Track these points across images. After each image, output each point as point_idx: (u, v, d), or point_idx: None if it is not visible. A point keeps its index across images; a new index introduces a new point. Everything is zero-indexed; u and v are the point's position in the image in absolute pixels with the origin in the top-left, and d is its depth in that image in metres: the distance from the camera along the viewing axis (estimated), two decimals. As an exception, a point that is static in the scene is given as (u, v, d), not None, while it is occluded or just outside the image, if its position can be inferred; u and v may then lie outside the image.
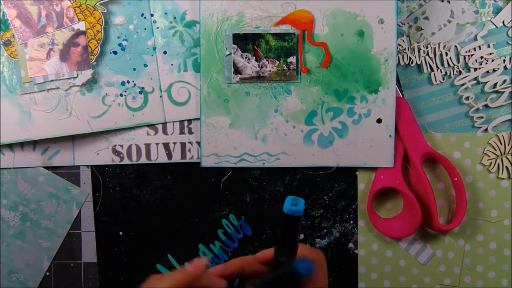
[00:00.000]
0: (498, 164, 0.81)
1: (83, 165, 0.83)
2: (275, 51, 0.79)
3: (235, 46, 0.78)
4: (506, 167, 0.81)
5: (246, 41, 0.78)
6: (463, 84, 0.80)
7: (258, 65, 0.79)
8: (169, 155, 0.82)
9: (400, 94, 0.80)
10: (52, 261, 0.84)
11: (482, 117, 0.80)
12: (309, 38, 0.79)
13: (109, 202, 0.83)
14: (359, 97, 0.79)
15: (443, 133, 0.81)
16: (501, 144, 0.80)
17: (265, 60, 0.79)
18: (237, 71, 0.79)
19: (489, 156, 0.80)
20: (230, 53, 0.79)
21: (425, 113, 0.81)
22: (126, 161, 0.82)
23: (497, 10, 0.80)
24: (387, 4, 0.78)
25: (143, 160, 0.82)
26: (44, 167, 0.83)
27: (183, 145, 0.82)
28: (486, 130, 0.81)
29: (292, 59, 0.79)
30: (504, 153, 0.80)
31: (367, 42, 0.79)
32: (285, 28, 0.79)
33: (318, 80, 0.80)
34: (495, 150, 0.80)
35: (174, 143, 0.82)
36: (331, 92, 0.80)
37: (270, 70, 0.79)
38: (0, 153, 0.82)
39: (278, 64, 0.79)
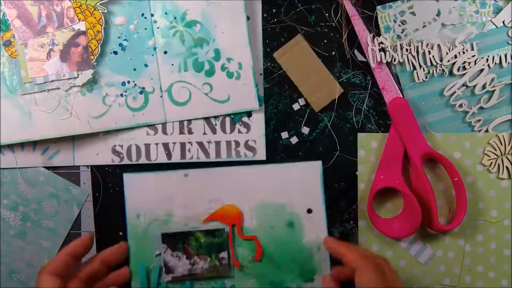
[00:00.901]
0: (498, 164, 0.80)
1: (83, 165, 0.82)
2: (206, 247, 0.80)
3: (165, 245, 0.79)
4: (506, 167, 0.80)
5: (175, 240, 0.80)
6: (453, 93, 0.79)
7: (190, 262, 0.80)
8: (169, 155, 0.82)
9: (400, 94, 0.79)
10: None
11: (480, 120, 0.80)
12: (239, 232, 0.80)
13: (109, 202, 0.82)
14: (295, 287, 0.81)
15: (443, 133, 0.80)
16: (501, 144, 0.79)
17: (196, 257, 0.80)
18: (168, 270, 0.80)
19: (489, 156, 0.80)
20: (160, 253, 0.80)
21: (425, 113, 0.80)
22: (126, 161, 0.81)
23: (497, 10, 0.79)
24: (314, 194, 0.80)
25: (143, 160, 0.82)
26: (44, 167, 0.82)
27: (182, 145, 0.82)
28: (486, 130, 0.80)
29: (223, 254, 0.80)
30: (504, 153, 0.80)
31: (297, 232, 0.81)
32: (214, 224, 0.80)
33: (252, 274, 0.81)
34: (495, 150, 0.80)
35: (174, 143, 0.82)
36: (267, 284, 0.81)
37: (202, 267, 0.80)
38: (0, 153, 0.81)
39: (210, 260, 0.80)
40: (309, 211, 0.80)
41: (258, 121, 0.81)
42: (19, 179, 0.82)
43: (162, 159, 0.82)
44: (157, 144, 0.81)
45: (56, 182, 0.82)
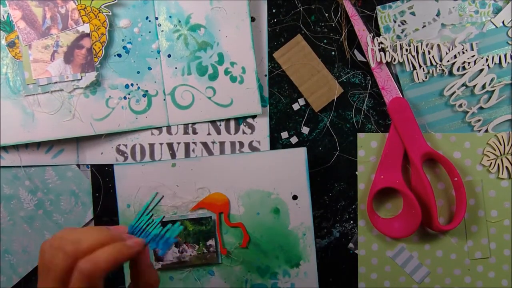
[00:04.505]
0: (498, 164, 0.76)
1: (86, 164, 0.79)
2: (194, 235, 0.78)
3: None
4: (506, 167, 0.76)
5: None
6: (453, 93, 0.76)
7: (178, 250, 0.78)
8: (173, 155, 0.79)
9: (400, 94, 0.76)
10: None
11: (479, 120, 0.76)
12: (226, 219, 0.78)
13: (109, 202, 0.79)
14: (281, 272, 0.79)
15: (443, 133, 0.76)
16: (501, 145, 0.76)
17: (184, 245, 0.78)
18: (158, 258, 0.78)
19: (489, 157, 0.76)
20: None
21: (425, 113, 0.77)
22: (130, 160, 0.79)
23: (497, 10, 0.76)
24: (299, 181, 0.77)
25: (147, 159, 0.79)
26: (76, 165, 0.80)
27: (187, 145, 0.78)
28: (486, 130, 0.76)
29: (211, 241, 0.78)
30: (504, 153, 0.76)
31: (283, 218, 0.78)
32: (201, 212, 0.78)
33: (239, 260, 0.79)
34: (495, 150, 0.76)
35: (178, 143, 0.79)
36: (253, 270, 0.79)
37: (190, 255, 0.78)
38: (3, 152, 0.78)
39: (197, 248, 0.78)
40: (295, 197, 0.77)
41: (262, 122, 0.78)
42: (48, 166, 0.80)
43: (166, 158, 0.79)
44: (161, 144, 0.79)
45: (82, 182, 0.80)
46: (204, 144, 0.78)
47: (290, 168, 0.77)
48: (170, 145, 0.78)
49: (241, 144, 0.78)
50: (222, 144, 0.78)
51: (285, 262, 0.78)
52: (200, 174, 0.78)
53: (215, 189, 0.78)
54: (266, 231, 0.78)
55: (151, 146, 0.78)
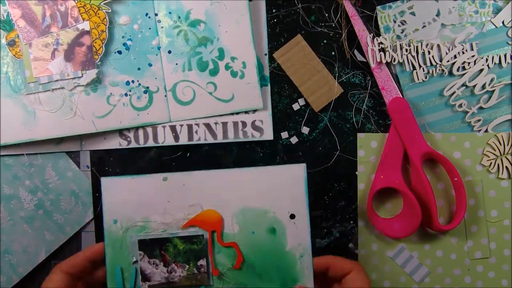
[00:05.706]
0: (498, 164, 0.77)
1: (89, 150, 0.79)
2: (184, 254, 0.74)
3: (142, 253, 0.74)
4: (506, 167, 0.76)
5: (152, 247, 0.74)
6: (453, 93, 0.76)
7: (167, 270, 0.74)
8: (176, 138, 0.79)
9: (400, 94, 0.76)
10: (52, 261, 0.81)
11: (479, 120, 0.76)
12: (218, 238, 0.75)
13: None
14: None
15: (443, 133, 0.77)
16: (501, 145, 0.76)
17: (174, 265, 0.74)
18: (145, 278, 0.74)
19: (489, 157, 0.77)
20: (137, 260, 0.74)
21: (425, 113, 0.77)
22: (133, 144, 0.79)
23: (497, 10, 0.76)
24: (298, 199, 0.74)
25: (151, 143, 0.79)
26: (77, 165, 0.80)
27: (189, 127, 0.79)
28: (486, 130, 0.76)
29: (202, 261, 0.74)
30: (504, 153, 0.76)
31: (280, 238, 0.75)
32: (193, 230, 0.75)
33: (232, 282, 0.75)
34: (495, 150, 0.76)
35: (181, 126, 0.79)
36: None
37: (180, 275, 0.74)
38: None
39: (188, 268, 0.74)
40: (292, 216, 0.75)
41: (264, 101, 0.78)
42: (48, 166, 0.79)
43: (170, 141, 0.79)
44: (164, 127, 0.79)
45: (82, 183, 0.80)
46: (207, 126, 0.78)
47: (288, 186, 0.74)
48: (173, 128, 0.78)
49: (244, 124, 0.78)
50: (224, 124, 0.78)
51: (280, 285, 0.74)
52: (193, 189, 0.75)
53: (208, 205, 0.75)
54: (261, 251, 0.75)
55: (154, 129, 0.78)
